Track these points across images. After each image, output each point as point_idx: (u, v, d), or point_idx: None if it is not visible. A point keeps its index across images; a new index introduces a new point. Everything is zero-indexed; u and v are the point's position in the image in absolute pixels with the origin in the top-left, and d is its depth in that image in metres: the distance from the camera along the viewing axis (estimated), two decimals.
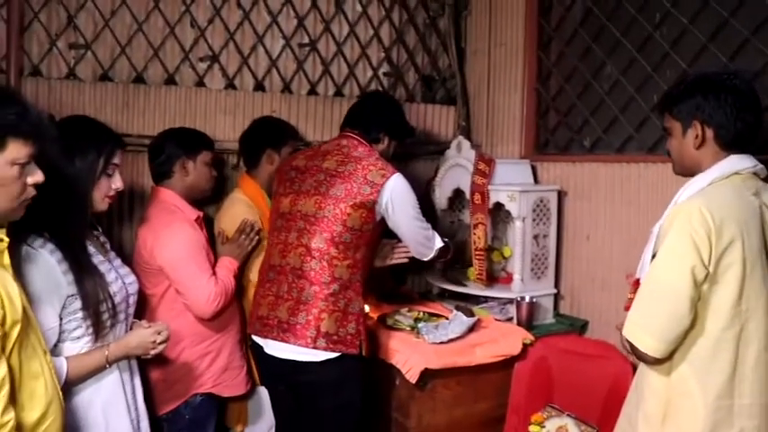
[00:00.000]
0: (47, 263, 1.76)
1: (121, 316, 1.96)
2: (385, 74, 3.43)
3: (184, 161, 2.50)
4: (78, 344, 1.83)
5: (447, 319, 2.66)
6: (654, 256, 1.71)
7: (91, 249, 1.93)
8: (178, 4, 2.96)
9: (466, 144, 3.02)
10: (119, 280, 1.98)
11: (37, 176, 1.54)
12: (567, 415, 2.54)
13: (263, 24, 3.13)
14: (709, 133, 1.74)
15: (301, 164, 2.43)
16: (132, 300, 2.05)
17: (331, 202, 2.27)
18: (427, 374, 2.42)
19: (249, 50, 3.10)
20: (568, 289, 3.01)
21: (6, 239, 1.51)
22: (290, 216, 2.35)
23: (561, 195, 2.99)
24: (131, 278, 2.08)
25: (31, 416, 1.48)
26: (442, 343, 2.50)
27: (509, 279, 2.95)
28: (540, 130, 3.25)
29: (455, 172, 3.05)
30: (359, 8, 3.32)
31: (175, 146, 2.51)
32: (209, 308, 2.34)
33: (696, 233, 1.60)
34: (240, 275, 2.55)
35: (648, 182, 2.63)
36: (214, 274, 2.40)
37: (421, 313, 2.79)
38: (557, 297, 3.01)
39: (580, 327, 2.89)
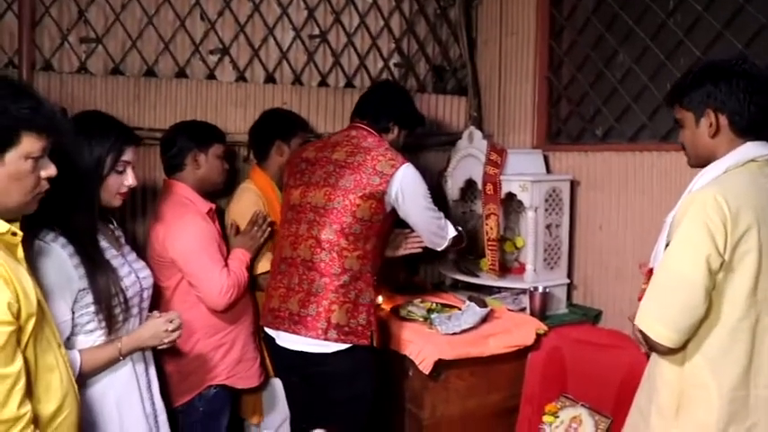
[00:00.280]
0: (59, 256, 1.77)
1: (135, 310, 1.97)
2: (396, 64, 3.42)
3: (196, 154, 2.51)
4: (91, 337, 1.84)
5: (460, 309, 2.66)
6: (667, 246, 1.70)
7: (104, 244, 1.94)
8: None
9: (477, 134, 3.01)
10: (132, 274, 1.99)
11: (50, 170, 1.55)
12: (581, 405, 2.54)
13: (273, 16, 3.13)
14: (723, 120, 1.72)
15: (311, 155, 2.43)
16: (147, 294, 2.05)
17: (340, 194, 2.27)
18: (440, 365, 2.42)
19: (260, 43, 3.10)
20: (581, 279, 3.00)
21: (20, 233, 1.52)
22: (300, 208, 2.35)
23: (574, 185, 2.98)
24: (146, 272, 2.08)
25: (47, 408, 1.49)
26: (455, 334, 2.50)
27: (522, 269, 2.94)
28: (551, 119, 3.24)
29: (467, 162, 3.04)
30: None
31: (187, 139, 2.52)
32: (221, 300, 2.35)
33: (711, 221, 1.58)
34: (251, 266, 2.55)
35: (662, 170, 2.61)
36: (226, 265, 2.41)
37: (434, 304, 2.79)
38: (570, 287, 3.00)
39: (593, 317, 2.88)
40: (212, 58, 3.03)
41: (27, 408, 1.41)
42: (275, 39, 3.13)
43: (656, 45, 2.68)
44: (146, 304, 2.06)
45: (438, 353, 2.40)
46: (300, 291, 2.27)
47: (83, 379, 1.78)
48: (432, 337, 2.49)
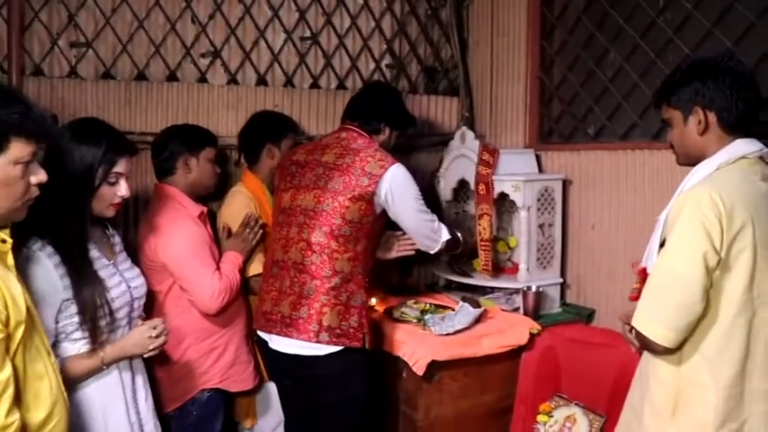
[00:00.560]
0: (45, 266, 1.77)
1: (123, 320, 1.96)
2: (387, 66, 3.42)
3: (187, 158, 2.50)
4: (77, 345, 1.84)
5: (453, 310, 2.66)
6: (662, 245, 1.69)
7: (95, 253, 1.92)
8: (179, 1, 2.96)
9: (470, 134, 3.01)
10: (122, 284, 1.97)
11: (40, 176, 1.54)
12: (575, 404, 2.54)
13: (264, 18, 3.13)
14: (712, 118, 1.72)
15: (301, 158, 2.43)
16: (138, 303, 2.04)
17: (330, 196, 2.26)
18: (434, 366, 2.42)
19: (251, 45, 3.10)
20: (575, 278, 3.00)
21: (10, 240, 1.51)
22: (290, 211, 2.35)
23: (566, 184, 2.98)
24: (139, 280, 2.07)
25: (36, 416, 1.48)
26: (448, 334, 2.50)
27: (515, 269, 2.94)
28: (543, 119, 3.24)
29: (459, 163, 3.04)
30: (360, 0, 3.31)
31: (178, 143, 2.51)
32: (213, 303, 2.35)
33: (707, 219, 1.58)
34: (243, 269, 2.55)
35: (653, 169, 2.62)
36: (218, 269, 2.40)
37: (427, 305, 2.79)
38: (563, 286, 3.00)
39: (587, 316, 2.88)
40: (203, 62, 3.03)
41: (15, 416, 1.40)
42: (266, 41, 3.13)
43: (647, 43, 2.68)
44: (136, 313, 2.04)
45: (431, 354, 2.40)
46: (292, 293, 2.27)
47: (66, 386, 1.76)
48: (425, 338, 2.49)
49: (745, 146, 1.71)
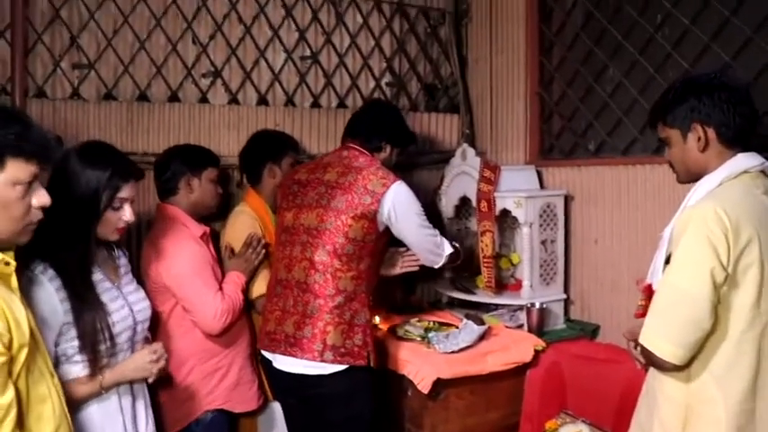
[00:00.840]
0: (46, 289, 1.76)
1: (125, 345, 1.94)
2: (387, 84, 3.44)
3: (189, 178, 2.51)
4: (77, 367, 1.82)
5: (457, 328, 2.65)
6: (667, 261, 1.68)
7: (98, 276, 1.91)
8: (180, 22, 2.97)
9: (470, 152, 3.02)
10: (125, 308, 1.95)
11: (42, 199, 1.51)
12: (582, 421, 2.52)
13: (264, 38, 3.15)
14: (711, 133, 1.71)
15: (303, 177, 2.43)
16: (141, 327, 2.02)
17: (332, 215, 2.26)
18: (439, 384, 2.41)
19: (251, 65, 3.12)
20: (578, 294, 3.00)
21: (13, 263, 1.50)
22: (293, 230, 2.35)
23: (568, 200, 2.98)
24: (144, 303, 2.05)
25: None
26: (453, 352, 2.49)
27: (518, 286, 2.94)
28: (544, 135, 3.25)
29: (461, 180, 3.04)
30: (359, 19, 3.34)
31: (180, 163, 2.52)
32: (216, 324, 2.34)
33: (713, 234, 1.56)
34: (247, 289, 2.54)
35: (655, 183, 2.62)
36: (221, 289, 2.40)
37: (431, 323, 2.78)
38: (566, 302, 2.99)
39: (591, 331, 2.87)
40: (205, 82, 3.04)
41: None
42: (267, 61, 3.15)
43: (645, 59, 2.70)
44: (139, 337, 2.02)
45: (436, 372, 2.39)
46: (296, 313, 2.26)
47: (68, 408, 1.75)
48: (430, 357, 2.48)
49: (746, 160, 1.71)
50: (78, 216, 1.84)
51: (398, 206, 2.30)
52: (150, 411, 2.06)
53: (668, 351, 1.61)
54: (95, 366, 1.83)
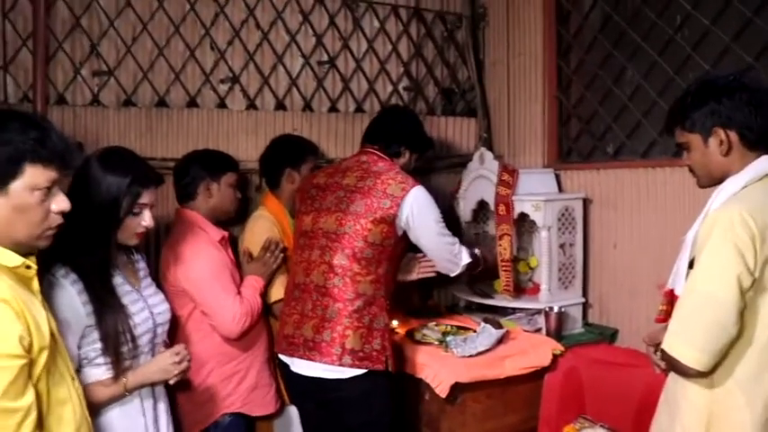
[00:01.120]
0: (68, 292, 1.78)
1: (146, 347, 1.95)
2: (405, 88, 3.45)
3: (208, 183, 2.52)
4: (100, 370, 1.84)
5: (475, 331, 2.64)
6: (690, 266, 1.65)
7: (118, 279, 1.93)
8: (198, 28, 3.00)
9: (488, 155, 3.01)
10: (145, 310, 1.97)
11: (62, 204, 1.52)
12: (600, 426, 2.50)
13: (281, 44, 3.16)
14: (734, 137, 1.68)
15: (322, 181, 2.44)
16: (161, 329, 2.03)
17: (351, 219, 2.27)
18: (457, 388, 2.40)
19: (269, 70, 3.13)
20: (597, 298, 2.98)
21: (35, 267, 1.51)
22: (312, 234, 2.36)
23: (586, 203, 2.96)
24: (163, 306, 2.06)
25: None
26: (470, 356, 2.48)
27: (536, 290, 2.92)
28: (562, 138, 3.24)
29: (479, 183, 3.04)
30: (376, 24, 3.35)
31: (200, 168, 2.54)
32: (235, 328, 2.35)
33: (739, 239, 1.53)
34: (265, 293, 2.55)
35: (675, 186, 2.60)
36: (239, 293, 2.41)
37: (449, 327, 2.77)
38: (585, 306, 2.97)
39: (610, 335, 2.85)
40: (223, 87, 3.07)
41: None
42: (284, 66, 3.16)
43: (665, 60, 2.68)
44: (159, 339, 2.03)
45: (454, 376, 2.38)
46: (314, 317, 2.27)
47: (89, 411, 1.76)
48: (447, 360, 2.48)
49: None
50: (99, 222, 1.86)
51: (417, 211, 2.30)
52: (170, 413, 2.07)
53: (692, 357, 1.58)
54: (118, 368, 1.84)
